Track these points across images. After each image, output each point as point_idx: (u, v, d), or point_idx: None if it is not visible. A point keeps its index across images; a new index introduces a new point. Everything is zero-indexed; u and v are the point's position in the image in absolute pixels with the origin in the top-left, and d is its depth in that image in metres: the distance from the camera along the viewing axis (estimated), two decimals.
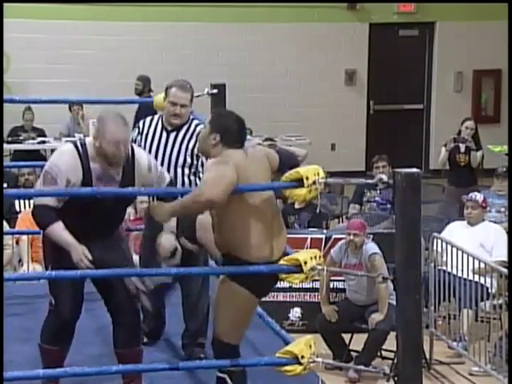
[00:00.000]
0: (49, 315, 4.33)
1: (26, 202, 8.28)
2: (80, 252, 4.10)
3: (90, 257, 4.12)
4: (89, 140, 4.28)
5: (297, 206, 8.58)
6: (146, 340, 5.17)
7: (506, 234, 7.71)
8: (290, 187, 4.16)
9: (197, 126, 5.09)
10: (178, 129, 5.06)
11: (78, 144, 4.25)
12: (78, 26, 12.33)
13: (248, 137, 11.62)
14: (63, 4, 12.20)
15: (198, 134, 4.97)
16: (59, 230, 4.13)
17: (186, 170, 5.04)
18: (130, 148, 4.28)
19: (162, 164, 4.98)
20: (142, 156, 4.39)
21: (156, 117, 5.16)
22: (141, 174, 4.33)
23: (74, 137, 11.35)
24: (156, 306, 5.20)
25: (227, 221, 4.09)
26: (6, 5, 12.06)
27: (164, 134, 5.07)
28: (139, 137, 5.16)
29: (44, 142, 11.59)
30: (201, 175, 4.98)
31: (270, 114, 12.86)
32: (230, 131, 4.15)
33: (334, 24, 13.02)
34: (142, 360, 4.38)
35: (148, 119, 5.19)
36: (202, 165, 4.98)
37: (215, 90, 6.10)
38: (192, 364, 4.35)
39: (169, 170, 4.97)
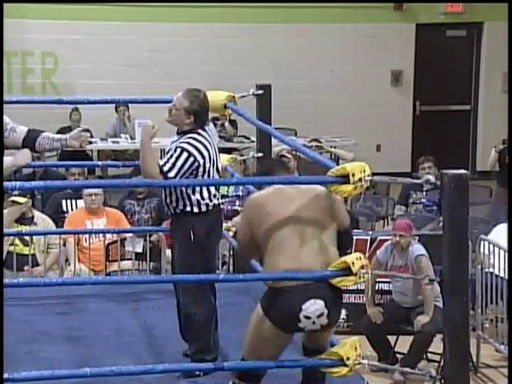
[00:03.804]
0: None
1: (73, 202, 8.34)
2: None
3: None
4: None
5: None
6: None
7: None
8: (335, 183, 4.12)
9: (188, 137, 4.67)
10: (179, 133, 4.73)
11: None
12: (124, 27, 12.41)
13: (293, 138, 11.54)
14: (112, 6, 12.29)
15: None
16: None
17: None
18: None
19: None
20: None
21: None
22: None
23: (120, 137, 11.45)
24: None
25: None
26: (57, 7, 12.21)
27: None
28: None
29: (90, 143, 11.63)
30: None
31: (314, 115, 12.81)
32: None
33: (381, 24, 12.93)
34: None
35: None
36: None
37: (261, 91, 6.09)
38: (234, 365, 4.30)
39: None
